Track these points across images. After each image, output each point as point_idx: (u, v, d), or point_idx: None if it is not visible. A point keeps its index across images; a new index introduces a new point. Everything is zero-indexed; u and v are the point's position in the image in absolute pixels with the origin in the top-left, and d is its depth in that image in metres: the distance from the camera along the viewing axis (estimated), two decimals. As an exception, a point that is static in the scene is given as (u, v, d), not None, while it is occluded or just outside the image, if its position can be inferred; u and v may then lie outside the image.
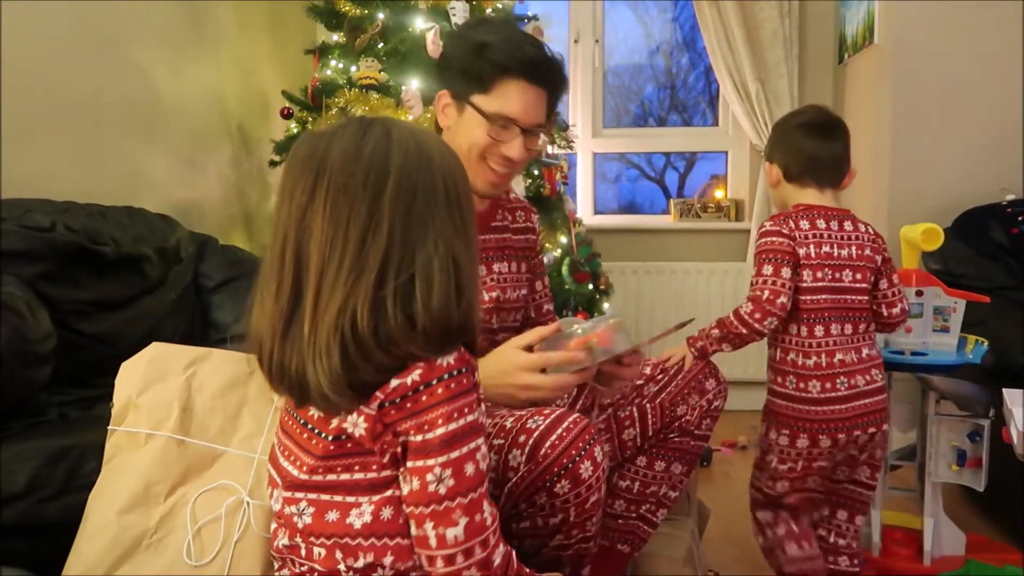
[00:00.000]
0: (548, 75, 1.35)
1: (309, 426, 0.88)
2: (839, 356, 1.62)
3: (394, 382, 0.82)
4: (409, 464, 0.83)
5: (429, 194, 0.85)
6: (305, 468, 0.88)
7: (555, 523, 1.16)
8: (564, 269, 2.61)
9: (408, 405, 0.82)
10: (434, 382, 0.82)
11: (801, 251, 1.65)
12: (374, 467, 0.84)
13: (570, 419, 1.13)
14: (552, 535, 1.18)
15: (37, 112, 1.84)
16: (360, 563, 0.85)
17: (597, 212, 3.88)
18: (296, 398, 0.87)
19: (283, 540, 0.90)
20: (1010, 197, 2.53)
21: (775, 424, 1.66)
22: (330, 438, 0.85)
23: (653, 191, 4.86)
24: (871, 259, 1.70)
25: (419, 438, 0.82)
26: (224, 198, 2.74)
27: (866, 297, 1.69)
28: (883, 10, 2.82)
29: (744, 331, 1.60)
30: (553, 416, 1.14)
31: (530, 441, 1.11)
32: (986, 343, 1.88)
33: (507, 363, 1.20)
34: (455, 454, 0.82)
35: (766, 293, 1.60)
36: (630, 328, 1.27)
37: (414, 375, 0.82)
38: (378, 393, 0.82)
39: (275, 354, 0.85)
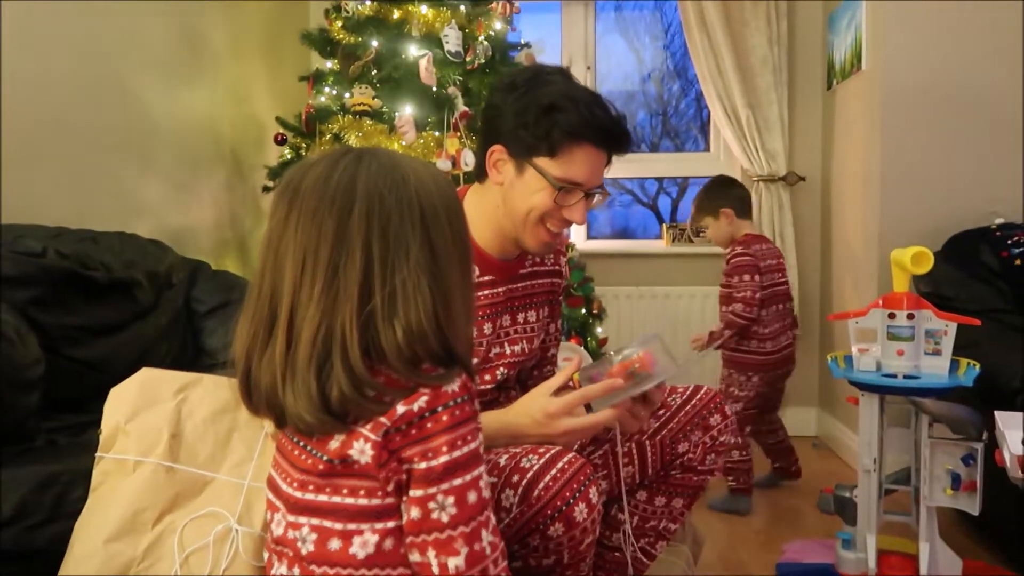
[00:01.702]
0: (617, 140, 1.32)
1: (303, 444, 0.87)
2: (776, 325, 2.66)
3: (400, 408, 0.82)
4: (411, 492, 0.82)
5: (404, 214, 0.86)
6: (296, 484, 0.87)
7: (548, 564, 1.14)
8: (557, 293, 2.61)
9: (413, 432, 0.82)
10: (439, 409, 0.82)
11: (761, 263, 2.64)
12: (379, 494, 0.84)
13: (565, 459, 1.11)
14: (545, 575, 1.16)
15: (30, 138, 1.85)
16: None
17: (590, 237, 3.89)
18: (273, 419, 0.87)
19: (280, 570, 0.89)
20: (999, 220, 2.55)
21: (738, 368, 2.65)
22: (327, 459, 0.85)
23: (646, 217, 4.89)
24: (781, 263, 2.74)
25: (423, 465, 0.82)
26: (218, 224, 2.75)
27: (786, 286, 2.74)
28: (870, 37, 2.86)
29: (742, 321, 2.58)
30: (548, 456, 1.12)
31: (523, 481, 1.10)
32: (978, 366, 1.88)
33: (539, 413, 1.17)
34: (458, 482, 0.82)
35: (748, 292, 2.59)
36: (668, 346, 1.22)
37: (420, 402, 0.82)
38: (383, 419, 0.82)
39: (250, 374, 0.86)
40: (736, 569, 2.15)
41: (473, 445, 0.84)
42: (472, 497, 0.83)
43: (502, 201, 1.32)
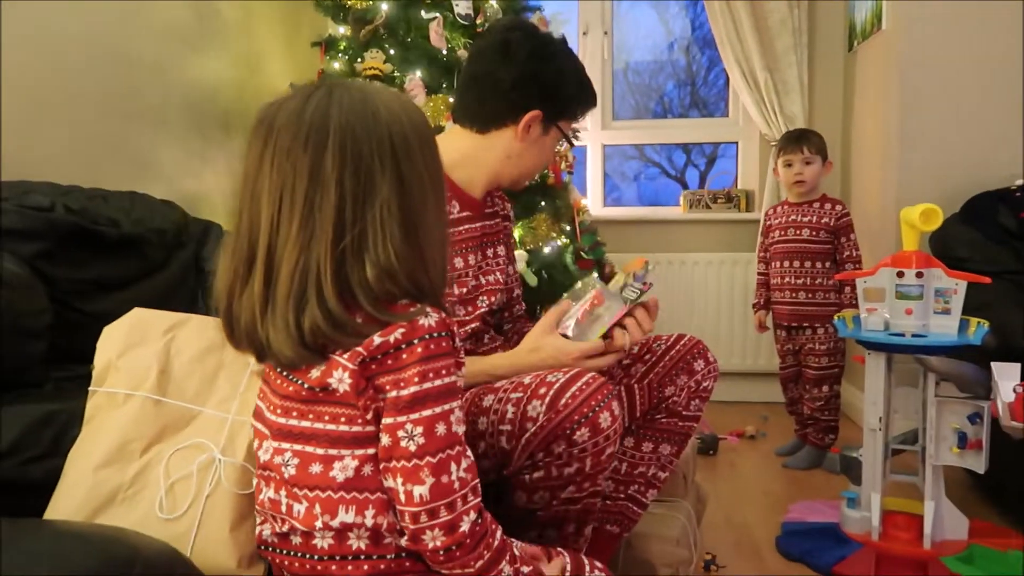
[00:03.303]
0: None
1: (285, 373, 0.90)
2: None
3: (377, 339, 0.84)
4: (384, 420, 0.85)
5: (375, 148, 0.86)
6: (280, 411, 0.90)
7: (569, 473, 1.19)
8: (568, 257, 2.61)
9: (389, 362, 0.84)
10: (415, 341, 0.84)
11: None
12: (359, 421, 0.86)
13: (588, 376, 1.18)
14: (564, 487, 1.21)
15: (45, 103, 1.89)
16: (337, 521, 0.86)
17: (608, 204, 3.88)
18: (254, 353, 0.90)
19: (268, 494, 0.92)
20: (1019, 182, 2.49)
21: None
22: (308, 387, 0.87)
23: (674, 190, 4.83)
24: None
25: (394, 394, 0.84)
26: (234, 190, 2.77)
27: None
28: (891, -4, 2.80)
29: None
30: (572, 372, 1.19)
31: (551, 392, 1.16)
32: (987, 325, 1.85)
33: (564, 358, 1.29)
34: (427, 412, 0.84)
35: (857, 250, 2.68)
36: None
37: (396, 334, 0.84)
38: (360, 349, 0.84)
39: (231, 311, 0.88)
40: (741, 529, 2.16)
41: (447, 379, 0.85)
42: (441, 429, 0.84)
43: (516, 154, 1.44)
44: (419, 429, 0.83)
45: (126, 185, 1.97)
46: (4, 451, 1.11)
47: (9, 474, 1.10)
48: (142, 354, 1.06)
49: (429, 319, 0.85)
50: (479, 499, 0.88)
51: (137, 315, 1.11)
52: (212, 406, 1.04)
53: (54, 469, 1.07)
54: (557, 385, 1.16)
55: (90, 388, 1.07)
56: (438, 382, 0.84)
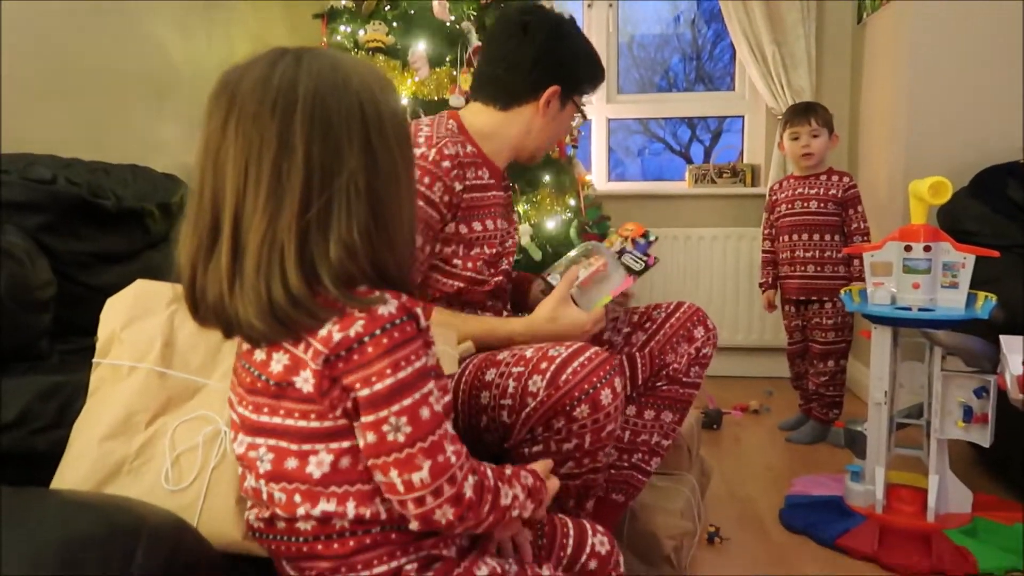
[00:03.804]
0: None
1: (249, 367, 0.87)
2: None
3: (337, 335, 0.80)
4: (363, 419, 0.82)
5: (344, 116, 0.82)
6: (251, 407, 0.87)
7: (568, 449, 1.19)
8: (572, 231, 2.60)
9: (355, 357, 0.80)
10: (377, 332, 0.80)
11: None
12: (329, 416, 0.83)
13: (592, 350, 1.18)
14: (564, 462, 1.21)
15: (47, 78, 1.87)
16: (318, 510, 0.85)
17: (612, 179, 3.85)
18: (221, 329, 0.86)
19: (250, 481, 0.90)
20: (1030, 155, 2.47)
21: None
22: (273, 383, 0.84)
23: (678, 166, 4.79)
24: None
25: (366, 392, 0.80)
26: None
27: None
28: (902, -35, 2.75)
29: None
30: (575, 346, 1.19)
31: (552, 367, 1.16)
32: (995, 299, 1.85)
33: (578, 330, 1.35)
34: (408, 401, 0.81)
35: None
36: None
37: (356, 327, 0.80)
38: (320, 347, 0.80)
39: (195, 285, 0.84)
40: (745, 502, 2.16)
41: (418, 364, 0.82)
42: (425, 413, 0.82)
43: (537, 128, 1.51)
44: (404, 419, 0.81)
45: (128, 159, 1.96)
46: (10, 422, 1.11)
47: (15, 445, 1.10)
48: (146, 326, 1.05)
49: (388, 306, 0.81)
50: (471, 462, 0.87)
51: (141, 286, 1.10)
52: (217, 378, 1.03)
53: (59, 440, 1.06)
54: (559, 360, 1.16)
55: (94, 360, 1.06)
56: (410, 369, 0.81)
